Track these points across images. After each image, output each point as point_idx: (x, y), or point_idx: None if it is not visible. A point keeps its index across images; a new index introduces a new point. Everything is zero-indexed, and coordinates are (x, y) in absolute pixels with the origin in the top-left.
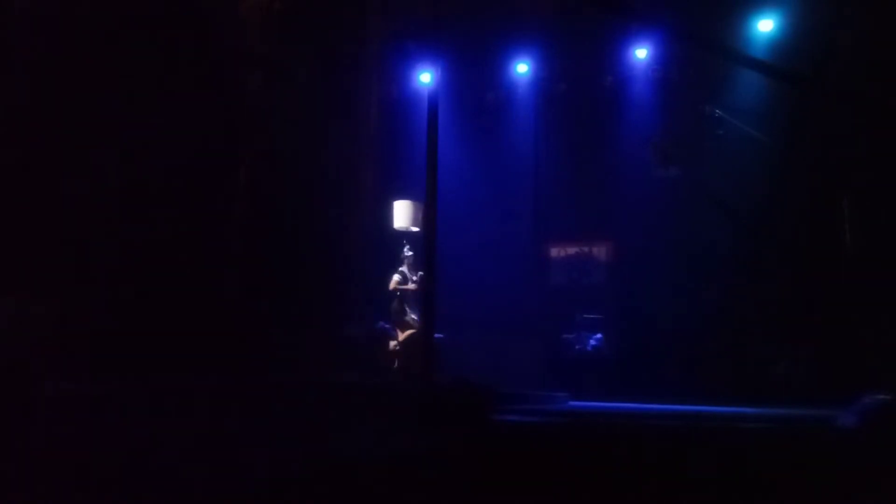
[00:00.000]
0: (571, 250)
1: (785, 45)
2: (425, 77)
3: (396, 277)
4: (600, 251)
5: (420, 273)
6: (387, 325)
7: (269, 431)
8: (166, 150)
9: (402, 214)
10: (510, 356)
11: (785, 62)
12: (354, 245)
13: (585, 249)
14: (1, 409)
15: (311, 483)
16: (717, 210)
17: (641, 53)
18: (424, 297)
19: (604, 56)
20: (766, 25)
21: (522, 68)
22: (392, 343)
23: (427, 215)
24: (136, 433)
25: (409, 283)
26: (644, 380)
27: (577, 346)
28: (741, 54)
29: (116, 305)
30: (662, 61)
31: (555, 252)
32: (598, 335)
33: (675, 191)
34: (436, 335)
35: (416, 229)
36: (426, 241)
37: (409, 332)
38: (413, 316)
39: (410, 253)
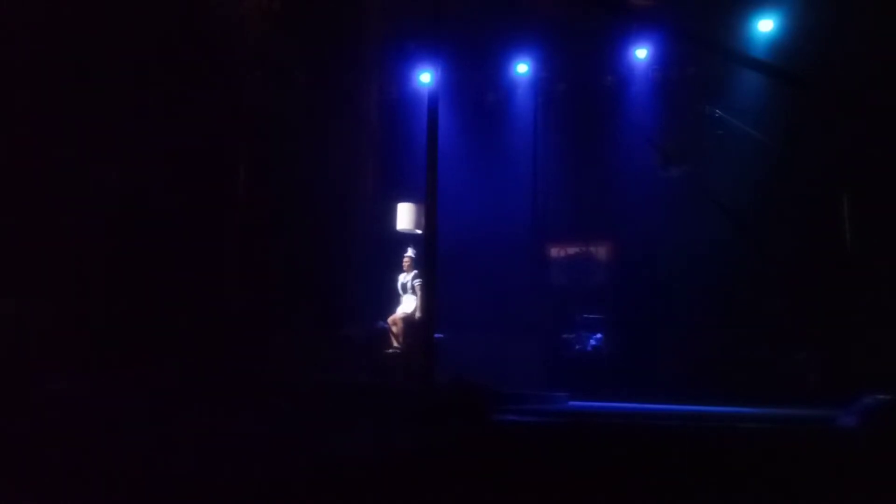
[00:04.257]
0: (571, 250)
1: (785, 45)
2: (425, 77)
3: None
4: (600, 251)
5: (415, 272)
6: (387, 325)
7: (268, 431)
8: (166, 150)
9: (406, 216)
10: (510, 356)
11: (785, 62)
12: (354, 245)
13: (585, 249)
14: (1, 408)
15: (312, 483)
16: (716, 210)
17: (641, 53)
18: (424, 297)
19: (604, 56)
20: (766, 25)
21: (522, 68)
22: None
23: (427, 215)
24: (135, 432)
25: (399, 287)
26: (644, 380)
27: (577, 346)
28: (741, 54)
29: (116, 306)
30: (662, 61)
31: (555, 252)
32: (598, 335)
33: (675, 191)
34: (436, 335)
35: (419, 231)
36: (426, 241)
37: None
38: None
39: (409, 255)
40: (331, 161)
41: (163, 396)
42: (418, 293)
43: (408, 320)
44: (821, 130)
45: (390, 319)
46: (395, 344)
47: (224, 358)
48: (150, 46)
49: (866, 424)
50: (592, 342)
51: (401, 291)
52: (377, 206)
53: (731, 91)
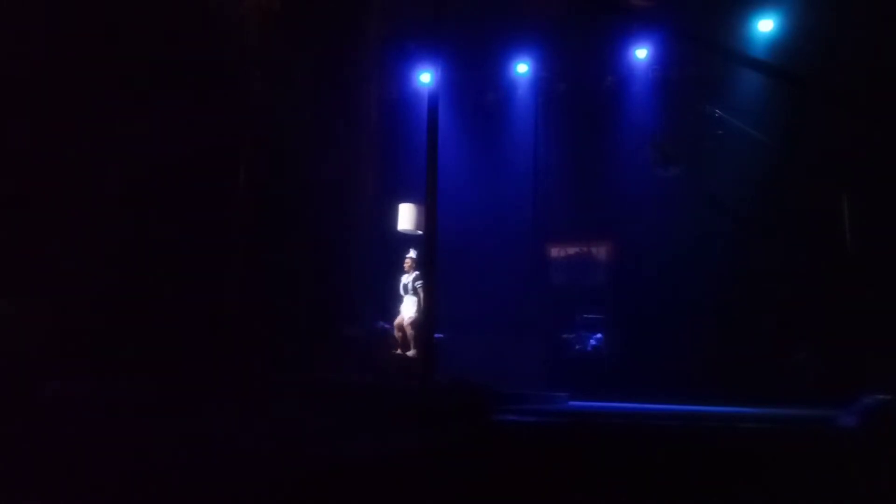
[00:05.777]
0: (571, 250)
1: (785, 45)
2: (425, 77)
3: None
4: (600, 251)
5: (416, 272)
6: (387, 326)
7: (269, 431)
8: (166, 150)
9: (407, 217)
10: (510, 356)
11: (785, 62)
12: (354, 245)
13: (585, 249)
14: (1, 409)
15: (312, 483)
16: (716, 210)
17: (641, 53)
18: (425, 297)
19: (604, 56)
20: (766, 25)
21: (522, 68)
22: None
23: (427, 215)
24: (135, 433)
25: (400, 288)
26: (644, 380)
27: (577, 346)
28: (741, 54)
29: (116, 306)
30: (662, 61)
31: (555, 252)
32: (598, 335)
33: (676, 190)
34: (436, 335)
35: (420, 232)
36: (426, 241)
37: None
38: (407, 313)
39: (411, 256)
40: (331, 161)
41: (163, 397)
42: (420, 294)
43: (415, 324)
44: (821, 130)
45: (395, 323)
46: (400, 349)
47: (225, 358)
48: (149, 47)
49: (866, 424)
50: (592, 342)
51: (402, 292)
52: (378, 207)
53: (731, 91)
